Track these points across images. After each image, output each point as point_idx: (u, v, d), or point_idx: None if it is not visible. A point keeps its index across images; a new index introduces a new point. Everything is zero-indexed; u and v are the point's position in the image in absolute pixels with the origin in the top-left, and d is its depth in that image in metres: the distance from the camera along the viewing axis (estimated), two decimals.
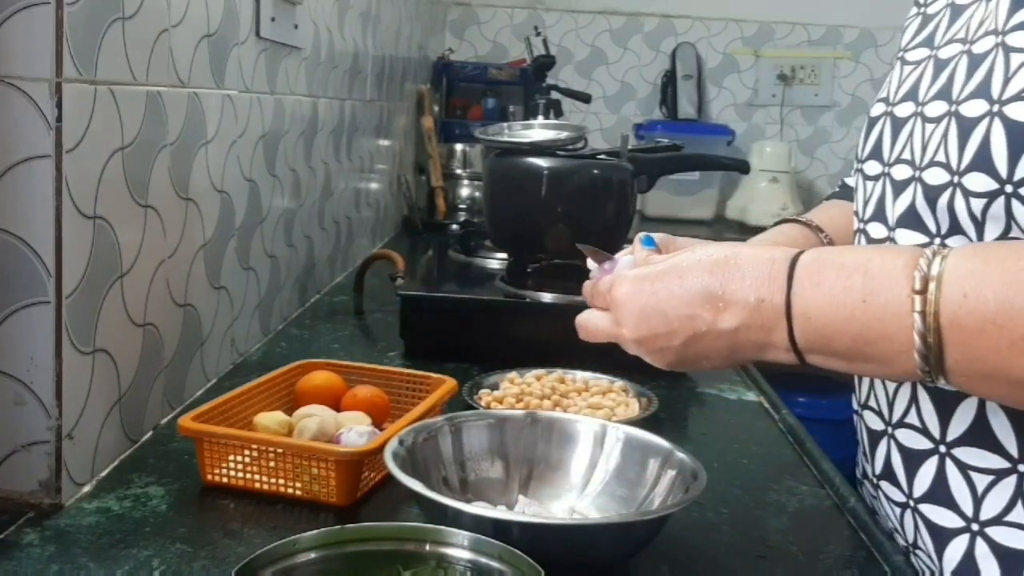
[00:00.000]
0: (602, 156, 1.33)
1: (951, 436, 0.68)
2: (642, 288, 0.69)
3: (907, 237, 0.70)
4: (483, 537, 0.60)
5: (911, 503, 0.72)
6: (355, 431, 0.81)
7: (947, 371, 0.57)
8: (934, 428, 0.69)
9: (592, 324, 0.75)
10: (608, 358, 1.11)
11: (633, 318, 0.70)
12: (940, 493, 0.69)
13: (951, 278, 0.56)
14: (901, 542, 0.76)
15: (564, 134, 1.32)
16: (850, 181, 0.95)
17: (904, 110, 0.73)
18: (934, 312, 0.56)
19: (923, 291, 0.56)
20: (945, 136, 0.65)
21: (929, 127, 0.68)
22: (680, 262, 0.69)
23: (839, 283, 0.60)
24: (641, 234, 0.79)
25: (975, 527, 0.67)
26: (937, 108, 0.68)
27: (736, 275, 0.65)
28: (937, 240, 0.67)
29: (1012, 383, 0.55)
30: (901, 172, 0.71)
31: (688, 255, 0.69)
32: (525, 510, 0.77)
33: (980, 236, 0.63)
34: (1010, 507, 0.65)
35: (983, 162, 0.61)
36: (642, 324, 0.69)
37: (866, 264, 0.60)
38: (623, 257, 0.77)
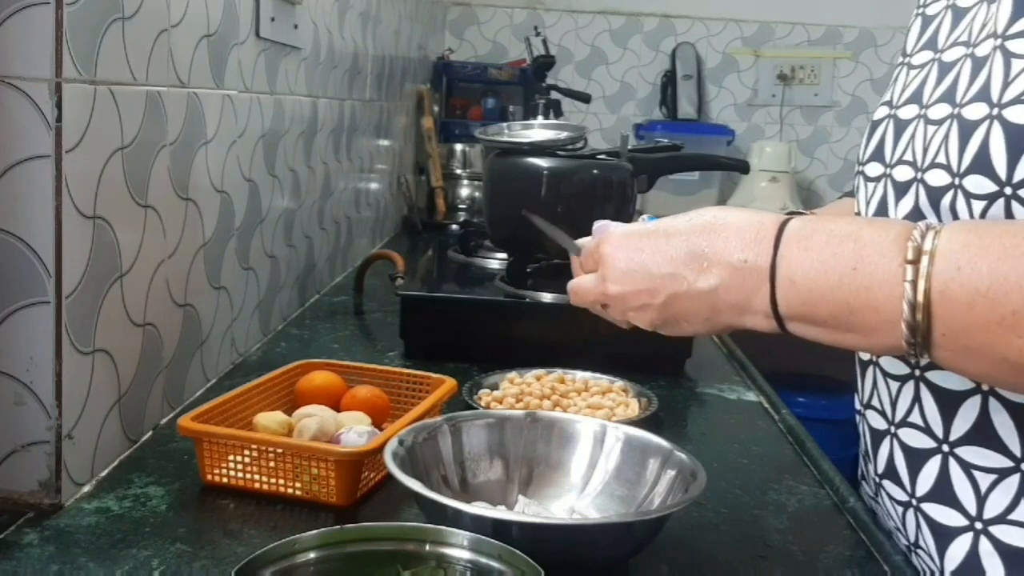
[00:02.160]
0: (602, 156, 1.33)
1: (954, 435, 0.67)
2: (628, 244, 0.71)
3: None
4: (483, 537, 0.60)
5: (914, 502, 0.72)
6: (355, 431, 0.81)
7: (932, 344, 0.56)
8: (937, 427, 0.69)
9: (582, 287, 0.77)
10: (608, 358, 1.11)
11: (618, 273, 0.71)
12: (943, 492, 0.69)
13: (944, 250, 0.56)
14: (902, 541, 0.76)
15: (564, 134, 1.32)
16: None
17: (908, 112, 0.73)
18: (926, 283, 0.55)
19: (915, 261, 0.56)
20: (946, 138, 0.65)
21: (931, 129, 0.68)
22: (669, 222, 0.70)
23: (828, 249, 0.60)
24: (645, 215, 0.80)
25: (978, 526, 0.66)
26: (941, 111, 0.67)
27: (722, 236, 0.65)
28: None
29: (996, 360, 0.55)
30: (903, 173, 0.71)
31: (679, 217, 0.70)
32: (525, 510, 0.77)
33: None
34: (1013, 506, 0.65)
35: (983, 165, 0.61)
36: (626, 280, 0.71)
37: (857, 233, 0.60)
38: (612, 222, 0.79)
